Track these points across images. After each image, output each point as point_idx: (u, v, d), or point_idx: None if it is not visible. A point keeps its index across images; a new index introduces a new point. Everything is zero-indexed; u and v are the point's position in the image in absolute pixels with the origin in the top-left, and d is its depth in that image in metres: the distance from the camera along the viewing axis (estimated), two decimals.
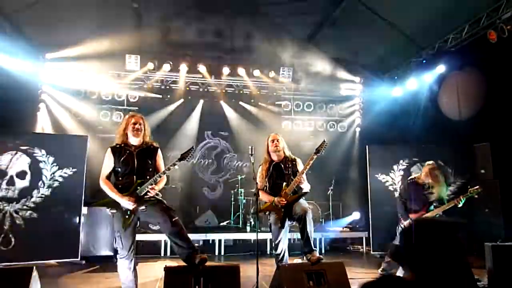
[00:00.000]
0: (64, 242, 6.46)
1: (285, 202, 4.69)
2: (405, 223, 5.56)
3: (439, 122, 8.52)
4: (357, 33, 8.29)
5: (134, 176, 4.09)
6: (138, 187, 4.02)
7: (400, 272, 4.71)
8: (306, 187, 4.86)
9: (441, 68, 8.34)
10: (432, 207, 5.52)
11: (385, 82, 10.08)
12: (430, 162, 5.80)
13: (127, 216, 3.97)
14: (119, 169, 4.14)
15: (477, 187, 5.46)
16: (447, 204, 5.46)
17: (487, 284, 4.70)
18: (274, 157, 5.04)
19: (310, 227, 4.58)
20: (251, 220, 8.35)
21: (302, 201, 4.83)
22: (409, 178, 5.97)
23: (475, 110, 7.62)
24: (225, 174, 10.21)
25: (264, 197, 4.87)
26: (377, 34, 8.16)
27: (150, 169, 4.22)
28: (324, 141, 4.84)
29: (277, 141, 5.02)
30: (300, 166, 5.01)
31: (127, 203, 3.95)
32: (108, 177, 4.15)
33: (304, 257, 4.62)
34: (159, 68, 9.31)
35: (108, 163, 4.17)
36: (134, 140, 4.24)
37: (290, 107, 10.65)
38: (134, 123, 4.23)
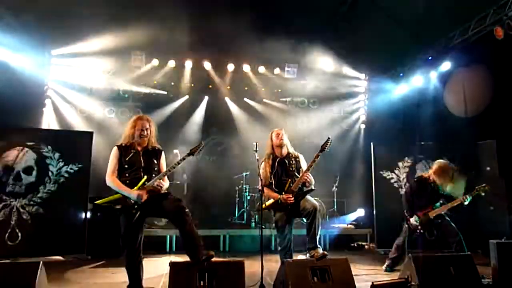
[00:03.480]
0: (70, 237, 6.53)
1: (293, 200, 4.67)
2: (411, 219, 5.56)
3: (444, 119, 8.49)
4: (362, 30, 8.26)
5: (142, 173, 4.10)
6: (146, 183, 4.04)
7: (403, 269, 4.70)
8: (312, 183, 4.84)
9: (447, 65, 8.31)
10: (438, 204, 5.52)
11: (390, 79, 10.05)
12: (441, 160, 5.77)
13: (133, 211, 3.98)
14: (126, 167, 4.13)
15: (484, 185, 5.43)
16: (453, 202, 5.45)
17: (491, 281, 4.69)
18: (278, 153, 4.99)
19: (318, 223, 4.59)
20: (256, 216, 8.36)
21: (310, 197, 4.82)
22: (415, 176, 5.96)
23: (481, 107, 7.59)
24: (229, 171, 10.22)
25: (269, 194, 4.83)
26: (383, 31, 8.12)
27: (156, 168, 4.25)
28: (328, 138, 4.81)
29: (282, 136, 4.98)
30: (303, 163, 4.99)
31: (136, 196, 3.95)
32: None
33: (308, 253, 4.62)
34: (164, 65, 9.35)
35: (114, 161, 4.15)
36: (140, 143, 4.25)
37: (295, 103, 10.65)
38: (141, 129, 4.22)
